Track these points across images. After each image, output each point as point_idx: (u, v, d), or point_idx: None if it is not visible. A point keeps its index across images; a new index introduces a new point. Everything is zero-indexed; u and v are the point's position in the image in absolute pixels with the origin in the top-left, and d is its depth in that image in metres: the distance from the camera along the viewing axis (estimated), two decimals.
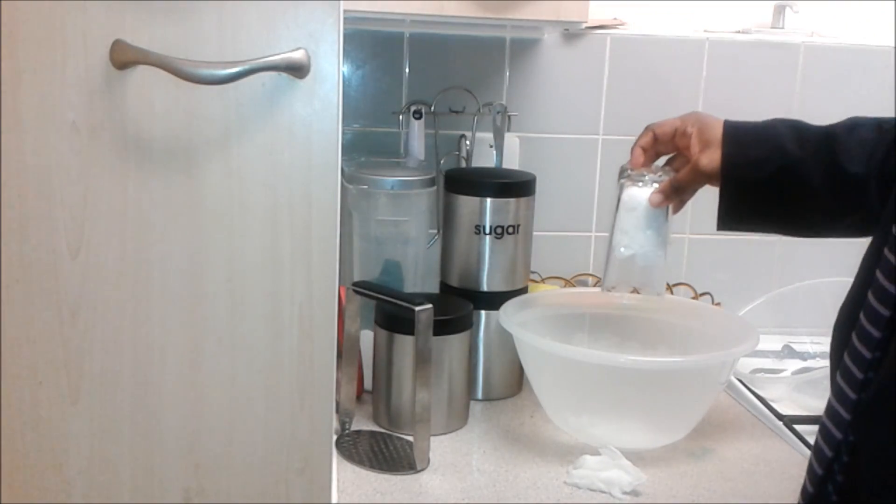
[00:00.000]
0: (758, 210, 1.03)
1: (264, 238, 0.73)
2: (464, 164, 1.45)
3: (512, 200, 1.28)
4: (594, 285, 1.55)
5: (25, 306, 0.71)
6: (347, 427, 1.17)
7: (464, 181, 1.30)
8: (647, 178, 1.09)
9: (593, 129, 1.53)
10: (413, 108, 1.40)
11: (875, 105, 1.52)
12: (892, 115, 1.00)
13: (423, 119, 1.40)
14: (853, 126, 1.01)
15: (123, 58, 0.67)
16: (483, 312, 1.28)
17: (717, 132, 1.05)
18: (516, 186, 1.29)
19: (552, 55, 1.49)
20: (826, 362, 0.78)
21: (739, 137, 1.04)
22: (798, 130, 1.03)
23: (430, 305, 1.08)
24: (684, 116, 1.09)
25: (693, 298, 1.49)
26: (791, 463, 1.11)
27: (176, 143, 0.70)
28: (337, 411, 1.12)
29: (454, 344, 1.18)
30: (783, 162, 1.00)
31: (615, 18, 1.51)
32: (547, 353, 1.14)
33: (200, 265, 0.73)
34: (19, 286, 0.71)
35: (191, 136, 0.70)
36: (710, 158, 1.04)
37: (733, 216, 1.04)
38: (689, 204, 1.56)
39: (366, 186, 1.28)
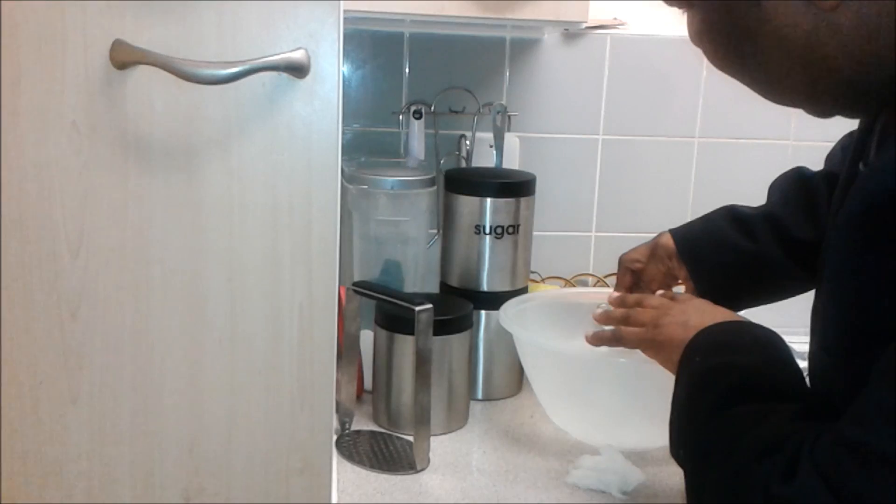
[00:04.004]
0: (747, 301, 1.07)
1: (264, 238, 0.73)
2: (464, 164, 1.45)
3: (512, 200, 1.28)
4: (594, 285, 1.55)
5: (25, 306, 0.71)
6: (347, 427, 1.17)
7: (464, 181, 1.30)
8: None
9: (593, 129, 1.53)
10: (413, 108, 1.40)
11: None
12: None
13: (423, 119, 1.40)
14: (783, 196, 1.06)
15: (123, 58, 0.67)
16: (483, 312, 1.28)
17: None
18: (516, 186, 1.29)
19: (552, 55, 1.49)
20: None
21: (692, 250, 1.08)
22: (739, 220, 1.07)
23: (430, 305, 1.08)
24: (652, 247, 1.12)
25: None
26: None
27: (176, 143, 0.70)
28: (337, 411, 1.12)
29: (454, 344, 1.18)
30: (743, 259, 1.05)
31: (615, 18, 1.51)
32: (547, 353, 1.14)
33: (200, 265, 0.73)
34: (19, 286, 0.71)
35: (191, 136, 0.70)
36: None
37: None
38: (689, 204, 1.57)
39: (366, 186, 1.28)
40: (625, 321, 0.99)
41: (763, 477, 0.62)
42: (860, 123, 0.81)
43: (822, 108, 0.74)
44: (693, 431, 0.75)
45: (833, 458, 0.58)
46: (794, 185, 1.07)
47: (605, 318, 1.03)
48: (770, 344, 0.80)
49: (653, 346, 0.93)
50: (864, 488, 0.56)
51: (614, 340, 1.00)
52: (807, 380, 0.76)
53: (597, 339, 1.03)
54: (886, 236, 0.61)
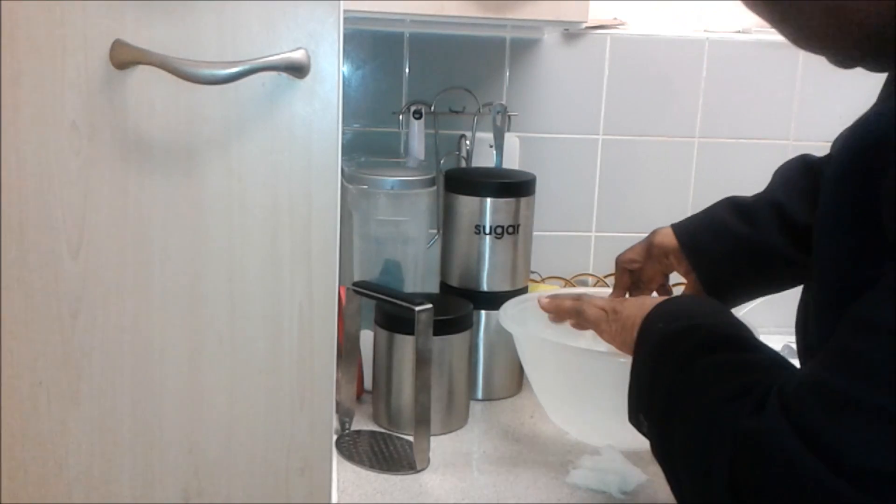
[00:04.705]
0: (751, 291, 1.07)
1: (264, 238, 0.73)
2: (464, 164, 1.45)
3: (512, 200, 1.28)
4: (594, 285, 1.55)
5: (25, 306, 0.71)
6: (347, 427, 1.17)
7: (464, 181, 1.30)
8: None
9: (593, 129, 1.53)
10: (413, 108, 1.40)
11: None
12: None
13: (423, 119, 1.40)
14: (786, 181, 1.06)
15: (123, 58, 0.67)
16: (483, 312, 1.28)
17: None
18: (516, 186, 1.29)
19: (552, 55, 1.49)
20: None
21: (693, 241, 1.08)
22: (740, 208, 1.07)
23: (430, 305, 1.08)
24: (647, 246, 1.12)
25: None
26: None
27: (176, 143, 0.70)
28: (337, 411, 1.12)
29: (454, 344, 1.18)
30: (745, 246, 1.04)
31: (615, 18, 1.51)
32: (547, 353, 1.14)
33: (200, 265, 0.73)
34: (19, 286, 0.71)
35: (191, 136, 0.70)
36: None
37: (731, 303, 1.07)
38: (689, 204, 1.57)
39: (366, 186, 1.28)
40: (577, 304, 1.01)
41: (733, 414, 0.63)
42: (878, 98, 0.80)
43: (846, 55, 0.73)
44: (660, 388, 0.76)
45: (798, 395, 0.60)
46: (798, 170, 1.06)
47: (555, 307, 1.05)
48: (727, 310, 0.82)
49: (611, 326, 0.95)
50: (823, 425, 0.58)
51: (574, 313, 1.02)
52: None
53: (554, 305, 1.05)
54: (865, 186, 0.62)
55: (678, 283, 1.14)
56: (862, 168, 0.64)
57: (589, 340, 1.18)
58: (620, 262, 1.15)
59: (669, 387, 0.74)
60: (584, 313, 1.00)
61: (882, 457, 0.55)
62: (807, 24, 0.72)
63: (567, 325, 1.21)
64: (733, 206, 1.07)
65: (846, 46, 0.73)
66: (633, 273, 1.14)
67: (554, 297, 1.07)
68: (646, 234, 1.14)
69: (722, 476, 0.62)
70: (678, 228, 1.10)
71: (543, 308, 1.07)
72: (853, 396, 0.57)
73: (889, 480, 0.55)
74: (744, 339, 0.75)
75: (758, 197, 1.07)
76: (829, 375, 0.59)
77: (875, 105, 0.71)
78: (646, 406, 0.77)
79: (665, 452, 0.73)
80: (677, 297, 0.88)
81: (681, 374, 0.73)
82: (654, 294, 1.15)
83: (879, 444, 0.55)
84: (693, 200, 1.57)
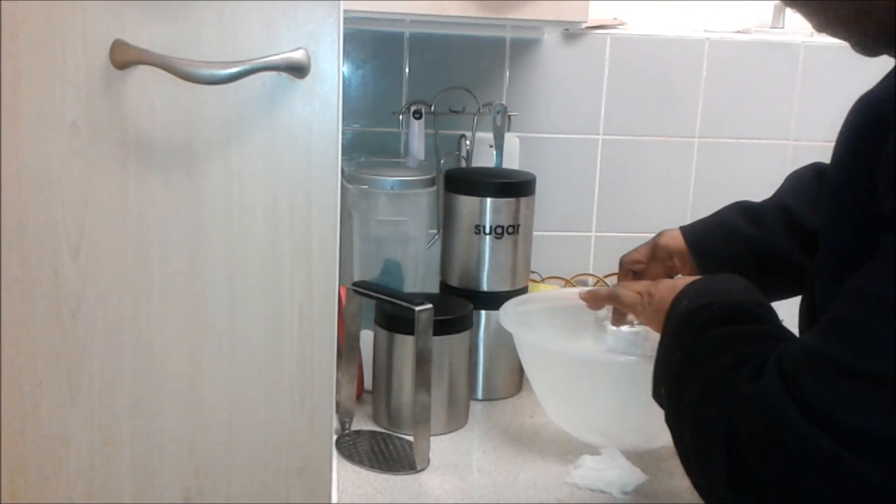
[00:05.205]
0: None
1: (264, 238, 0.73)
2: (464, 164, 1.45)
3: (512, 200, 1.28)
4: (594, 285, 1.55)
5: (25, 306, 0.71)
6: (347, 427, 1.17)
7: (464, 181, 1.30)
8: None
9: (593, 129, 1.53)
10: (413, 108, 1.40)
11: None
12: None
13: (423, 119, 1.40)
14: (795, 186, 1.06)
15: (123, 58, 0.67)
16: (483, 312, 1.28)
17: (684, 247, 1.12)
18: (516, 186, 1.29)
19: (552, 55, 1.49)
20: None
21: (700, 242, 1.09)
22: (748, 211, 1.07)
23: (430, 305, 1.08)
24: (652, 247, 1.13)
25: None
26: None
27: (176, 143, 0.70)
28: (337, 411, 1.12)
29: (454, 344, 1.18)
30: (751, 249, 1.05)
31: (615, 18, 1.51)
32: (546, 353, 1.14)
33: (200, 265, 0.73)
34: (19, 286, 0.71)
35: (191, 136, 0.70)
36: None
37: None
38: (689, 204, 1.57)
39: (366, 186, 1.28)
40: (613, 290, 1.03)
41: (733, 380, 0.66)
42: None
43: (868, 39, 0.75)
44: (675, 361, 0.78)
45: (794, 362, 0.62)
46: (808, 177, 1.07)
47: (592, 296, 1.07)
48: (752, 286, 0.83)
49: (646, 309, 0.96)
50: (816, 390, 0.60)
51: (610, 298, 1.04)
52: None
53: (591, 295, 1.07)
54: (865, 162, 0.63)
55: None
56: (861, 145, 0.65)
57: (589, 340, 1.19)
58: (624, 263, 1.15)
59: (682, 358, 0.77)
60: (621, 298, 1.01)
61: (874, 420, 0.57)
62: (830, 18, 0.74)
63: (568, 324, 1.22)
64: (742, 210, 1.08)
65: (865, 37, 0.75)
66: (636, 274, 1.14)
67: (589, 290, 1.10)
68: (646, 234, 1.14)
69: (720, 438, 0.64)
70: (686, 230, 1.10)
71: (581, 298, 1.08)
72: (847, 362, 0.59)
73: (882, 443, 0.57)
74: (755, 312, 0.77)
75: (766, 201, 1.07)
76: (825, 343, 0.62)
77: (876, 85, 0.71)
78: (665, 380, 0.80)
79: (673, 419, 0.76)
80: (707, 276, 0.90)
81: (693, 345, 0.76)
82: None
83: (872, 408, 0.58)
84: (693, 200, 1.57)
